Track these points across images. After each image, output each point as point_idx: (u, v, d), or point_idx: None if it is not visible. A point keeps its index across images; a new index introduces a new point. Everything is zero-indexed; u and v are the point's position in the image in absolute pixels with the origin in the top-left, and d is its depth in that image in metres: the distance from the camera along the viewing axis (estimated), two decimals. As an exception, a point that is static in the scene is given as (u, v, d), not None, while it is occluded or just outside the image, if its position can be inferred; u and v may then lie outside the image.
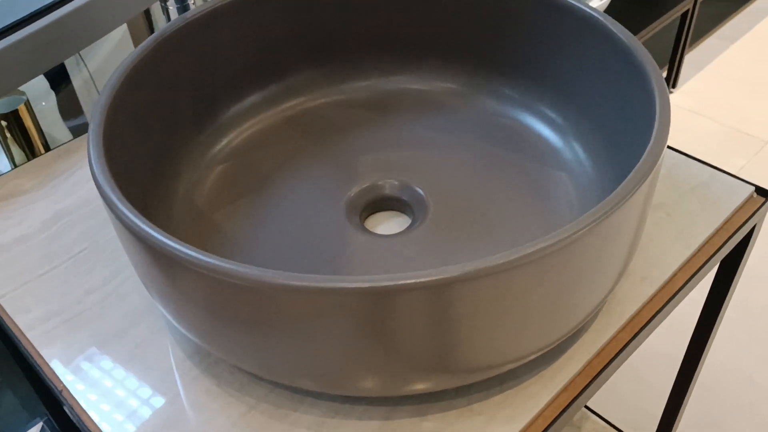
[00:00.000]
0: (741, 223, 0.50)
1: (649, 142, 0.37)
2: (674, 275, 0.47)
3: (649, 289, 0.45)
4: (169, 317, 0.40)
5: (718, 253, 0.49)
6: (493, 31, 0.52)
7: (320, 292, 0.31)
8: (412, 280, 0.31)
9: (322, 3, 0.53)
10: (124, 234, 0.36)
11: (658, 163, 0.37)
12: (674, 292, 0.46)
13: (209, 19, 0.49)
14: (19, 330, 0.45)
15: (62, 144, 0.59)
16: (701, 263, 0.47)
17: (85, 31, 0.60)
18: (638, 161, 0.36)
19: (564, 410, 0.40)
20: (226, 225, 0.47)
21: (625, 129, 0.44)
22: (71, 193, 0.54)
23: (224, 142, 0.52)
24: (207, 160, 0.51)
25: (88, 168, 0.56)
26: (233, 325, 0.36)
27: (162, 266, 0.35)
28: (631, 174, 0.36)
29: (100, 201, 0.53)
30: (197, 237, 0.46)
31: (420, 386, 0.37)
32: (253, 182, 0.50)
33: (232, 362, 0.40)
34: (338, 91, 0.56)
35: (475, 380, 0.39)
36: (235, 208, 0.49)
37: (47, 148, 0.65)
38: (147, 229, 0.34)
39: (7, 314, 0.46)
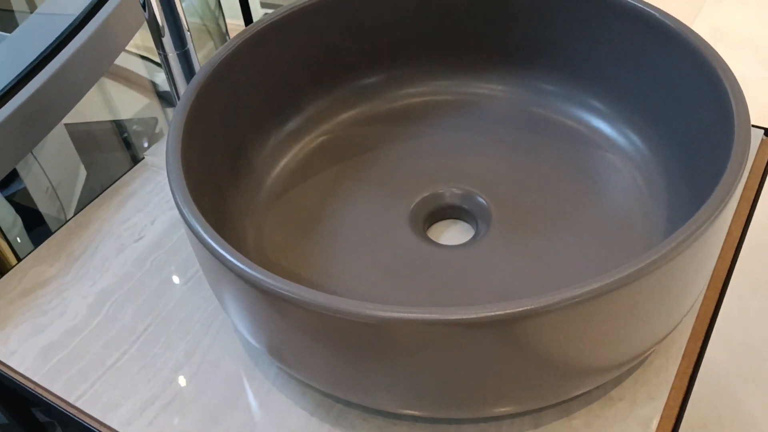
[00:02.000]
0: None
1: (731, 145, 0.37)
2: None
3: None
4: (290, 370, 0.39)
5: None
6: (543, 29, 0.52)
7: (462, 324, 0.31)
8: (562, 297, 0.31)
9: (332, 27, 0.52)
10: (242, 287, 0.34)
11: (744, 166, 0.36)
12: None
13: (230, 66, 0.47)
14: (115, 431, 0.42)
15: (67, 220, 0.55)
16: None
17: (66, 94, 0.55)
18: (717, 161, 0.38)
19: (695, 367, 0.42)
20: (295, 266, 0.46)
21: (698, 131, 0.45)
22: (105, 269, 0.50)
23: (267, 184, 0.50)
24: (255, 206, 0.49)
25: (109, 238, 0.52)
26: (368, 365, 0.34)
27: (297, 319, 0.33)
28: (722, 182, 0.35)
29: (140, 274, 0.50)
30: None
31: (573, 392, 0.38)
32: (306, 218, 0.48)
33: (367, 404, 0.39)
34: (370, 107, 0.55)
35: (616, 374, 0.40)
36: (299, 247, 0.47)
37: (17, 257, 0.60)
38: (275, 282, 0.32)
39: (92, 417, 0.42)
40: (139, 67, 0.85)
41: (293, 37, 0.50)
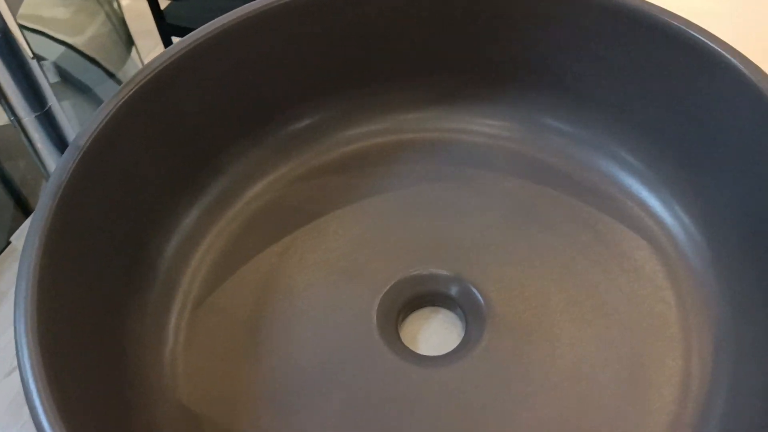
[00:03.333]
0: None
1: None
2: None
3: None
4: None
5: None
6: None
7: None
8: None
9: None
10: None
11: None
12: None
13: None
14: None
15: None
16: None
17: None
18: None
19: None
20: (232, 418, 0.33)
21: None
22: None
23: (180, 290, 0.36)
24: (163, 330, 0.35)
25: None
26: None
27: None
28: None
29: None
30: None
31: None
32: (240, 335, 0.35)
33: None
34: (312, 156, 0.41)
35: None
36: (235, 383, 0.34)
37: None
38: None
39: None
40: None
41: (198, 77, 0.36)
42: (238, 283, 0.37)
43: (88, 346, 0.29)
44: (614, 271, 0.36)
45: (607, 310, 0.35)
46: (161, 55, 0.34)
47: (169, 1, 0.57)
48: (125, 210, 0.34)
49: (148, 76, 0.34)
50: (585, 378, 0.33)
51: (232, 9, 0.37)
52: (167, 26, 0.57)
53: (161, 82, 0.34)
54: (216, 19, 0.36)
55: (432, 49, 0.40)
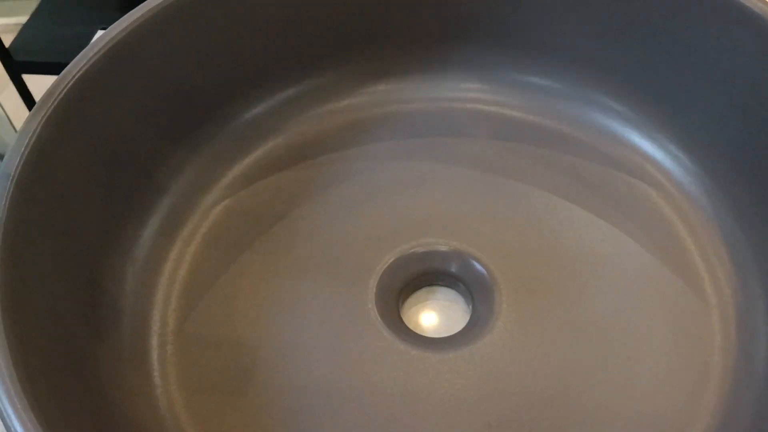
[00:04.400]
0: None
1: None
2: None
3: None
4: None
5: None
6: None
7: None
8: None
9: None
10: None
11: None
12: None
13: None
14: None
15: None
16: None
17: None
18: None
19: None
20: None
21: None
22: None
23: (152, 323, 0.31)
24: (138, 370, 0.30)
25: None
26: None
27: None
28: None
29: None
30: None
31: None
32: (228, 361, 0.31)
33: None
34: (272, 147, 0.37)
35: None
36: (230, 411, 0.29)
37: None
38: None
39: None
40: None
41: (124, 76, 0.31)
42: (216, 305, 0.32)
43: (69, 402, 0.24)
44: (615, 215, 0.34)
45: (618, 257, 0.33)
46: (80, 57, 0.29)
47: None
48: (71, 243, 0.29)
49: (71, 82, 0.28)
50: (614, 332, 0.30)
51: (85, 34, 0.32)
52: (16, 65, 0.51)
53: (85, 88, 0.29)
54: (134, 11, 0.31)
55: (373, 18, 0.37)
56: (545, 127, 0.36)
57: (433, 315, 0.34)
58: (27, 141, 0.27)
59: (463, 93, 0.38)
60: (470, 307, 0.33)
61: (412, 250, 0.33)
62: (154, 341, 0.30)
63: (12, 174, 0.25)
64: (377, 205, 0.35)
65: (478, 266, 0.33)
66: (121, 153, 0.32)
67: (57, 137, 0.28)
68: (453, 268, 0.34)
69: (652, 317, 0.31)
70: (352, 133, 0.37)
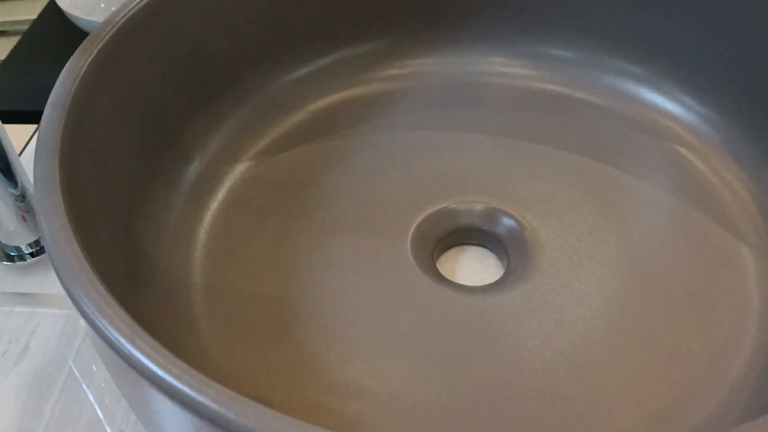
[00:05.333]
0: None
1: None
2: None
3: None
4: None
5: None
6: None
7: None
8: None
9: None
10: None
11: None
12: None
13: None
14: None
15: None
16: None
17: None
18: None
19: None
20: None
21: None
22: None
23: (184, 280, 0.30)
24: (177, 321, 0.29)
25: None
26: None
27: None
28: None
29: None
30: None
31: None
32: (262, 312, 0.30)
33: None
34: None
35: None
36: (266, 360, 0.28)
37: None
38: None
39: None
40: None
41: (157, 33, 0.31)
42: (250, 262, 0.32)
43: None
44: (638, 167, 0.35)
45: (650, 210, 0.33)
46: (122, 7, 0.29)
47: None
48: (108, 191, 0.28)
49: (113, 29, 0.28)
50: (651, 273, 0.31)
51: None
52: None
53: (122, 38, 0.29)
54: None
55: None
56: (563, 94, 0.38)
57: (468, 269, 0.34)
58: (75, 75, 0.26)
59: (484, 66, 0.39)
60: (504, 263, 0.33)
61: (445, 206, 0.34)
62: (181, 295, 0.30)
63: (65, 103, 0.25)
64: (404, 170, 0.35)
65: (510, 221, 0.33)
66: (151, 111, 0.32)
67: (98, 79, 0.28)
68: (485, 225, 0.34)
69: (688, 255, 0.31)
70: (375, 107, 0.38)
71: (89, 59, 0.27)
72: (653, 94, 0.36)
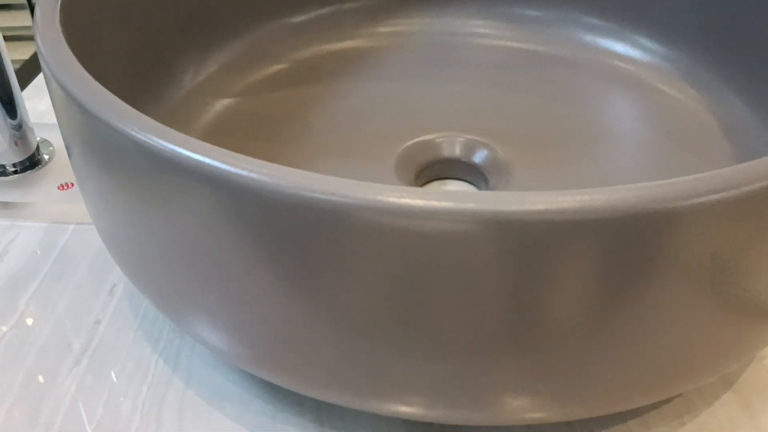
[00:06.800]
0: None
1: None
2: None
3: None
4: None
5: None
6: None
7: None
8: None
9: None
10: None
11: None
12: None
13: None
14: None
15: None
16: None
17: None
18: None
19: None
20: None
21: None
22: None
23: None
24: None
25: None
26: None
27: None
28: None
29: None
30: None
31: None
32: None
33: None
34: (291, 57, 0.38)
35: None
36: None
37: None
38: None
39: None
40: None
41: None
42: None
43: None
44: (611, 109, 0.36)
45: (622, 138, 0.35)
46: None
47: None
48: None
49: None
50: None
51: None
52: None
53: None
54: None
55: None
56: (538, 51, 0.40)
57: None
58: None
59: (464, 28, 0.41)
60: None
61: (427, 138, 0.35)
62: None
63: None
64: (387, 112, 0.36)
65: (487, 151, 0.34)
66: (144, 33, 0.33)
67: None
68: (465, 156, 0.35)
69: (657, 173, 0.32)
70: (360, 61, 0.40)
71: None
72: (616, 42, 0.38)
